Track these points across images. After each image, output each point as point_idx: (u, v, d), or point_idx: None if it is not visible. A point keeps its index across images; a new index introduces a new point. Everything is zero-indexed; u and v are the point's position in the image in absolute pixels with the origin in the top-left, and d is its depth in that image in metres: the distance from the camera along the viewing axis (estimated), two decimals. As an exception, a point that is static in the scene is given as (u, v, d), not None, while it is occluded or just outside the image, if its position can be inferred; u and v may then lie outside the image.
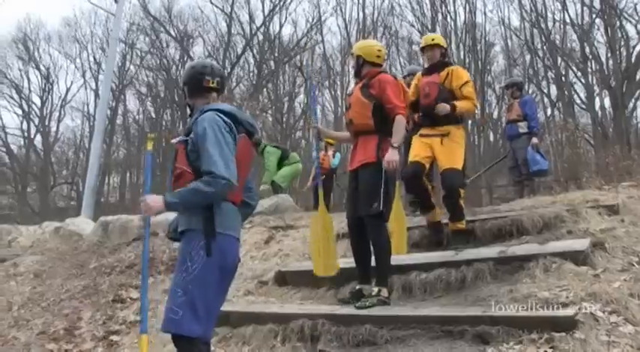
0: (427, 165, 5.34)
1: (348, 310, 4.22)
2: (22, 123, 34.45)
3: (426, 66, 5.69)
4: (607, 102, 22.77)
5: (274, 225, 7.47)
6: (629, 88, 21.42)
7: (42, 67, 34.78)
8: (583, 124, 22.58)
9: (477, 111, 21.46)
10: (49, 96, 34.65)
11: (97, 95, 31.17)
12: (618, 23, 22.52)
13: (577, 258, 4.22)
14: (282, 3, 30.39)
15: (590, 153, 19.46)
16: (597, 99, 23.23)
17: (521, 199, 7.01)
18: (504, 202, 8.09)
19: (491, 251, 4.72)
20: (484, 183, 20.13)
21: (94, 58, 34.10)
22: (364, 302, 4.21)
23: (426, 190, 5.40)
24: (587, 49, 23.34)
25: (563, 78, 24.14)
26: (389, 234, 4.53)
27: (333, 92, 29.68)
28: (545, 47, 24.72)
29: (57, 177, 34.41)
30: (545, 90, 25.14)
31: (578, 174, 12.33)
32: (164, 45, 31.77)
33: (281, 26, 30.78)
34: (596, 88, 23.42)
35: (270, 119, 26.72)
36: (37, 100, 34.60)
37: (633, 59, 22.12)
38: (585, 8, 23.58)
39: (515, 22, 33.87)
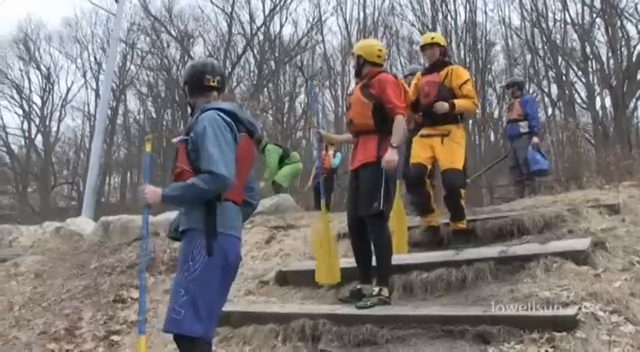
0: (429, 166, 5.34)
1: (349, 310, 4.22)
2: (22, 123, 34.53)
3: (426, 65, 5.69)
4: (608, 101, 22.80)
5: (275, 225, 7.47)
6: (629, 88, 21.41)
7: (43, 67, 34.85)
8: (584, 124, 22.55)
9: (477, 111, 21.49)
10: (50, 96, 34.73)
11: (97, 95, 31.15)
12: (619, 23, 22.52)
13: (578, 257, 4.21)
14: (282, 3, 30.43)
15: (591, 153, 19.46)
16: (598, 99, 23.25)
17: (522, 199, 7.01)
18: (505, 202, 8.09)
19: (492, 250, 4.72)
20: (485, 182, 20.12)
21: (95, 58, 34.19)
22: (365, 301, 4.21)
23: (428, 193, 5.40)
24: (588, 49, 23.32)
25: (563, 77, 24.13)
26: (390, 233, 4.52)
27: (333, 92, 29.69)
28: (545, 47, 24.70)
29: (58, 177, 34.44)
30: (546, 90, 25.17)
31: (579, 173, 12.33)
32: (165, 45, 31.80)
33: (281, 26, 30.84)
34: (596, 87, 23.42)
35: (271, 119, 26.72)
36: (37, 100, 34.69)
37: (634, 58, 22.11)
38: (586, 8, 23.59)
39: (516, 21, 33.88)
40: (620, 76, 21.47)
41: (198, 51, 31.62)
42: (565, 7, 24.13)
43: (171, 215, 7.63)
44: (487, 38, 26.93)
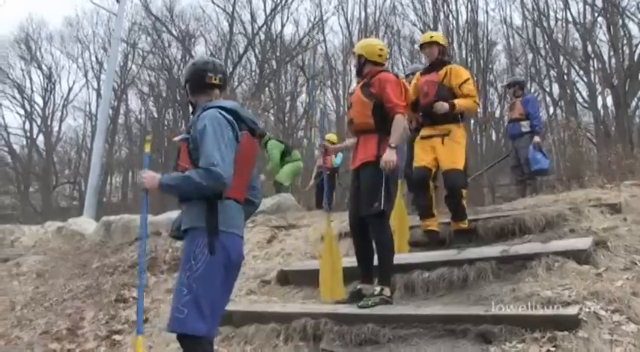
0: (434, 169, 5.34)
1: (351, 309, 4.22)
2: (24, 123, 34.51)
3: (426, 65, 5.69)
4: (609, 100, 22.77)
5: (277, 225, 7.48)
6: (631, 87, 21.38)
7: (44, 67, 34.85)
8: (585, 123, 22.51)
9: (479, 110, 21.48)
10: (52, 96, 34.73)
11: (99, 95, 31.16)
12: (621, 21, 22.47)
13: (579, 256, 4.21)
14: (283, 2, 30.40)
15: (593, 152, 19.41)
16: (600, 98, 23.20)
17: (524, 198, 7.00)
18: (507, 201, 8.10)
19: (494, 250, 4.72)
20: (486, 182, 20.10)
21: (96, 58, 34.17)
22: (367, 301, 4.21)
23: (430, 197, 5.40)
24: (590, 48, 23.29)
25: (565, 76, 24.10)
26: (392, 232, 4.52)
27: (335, 91, 29.69)
28: (547, 46, 24.67)
29: (59, 177, 34.45)
30: (548, 89, 25.14)
31: (581, 172, 12.31)
32: (166, 44, 31.78)
33: (283, 25, 30.84)
34: (598, 86, 23.38)
35: (272, 118, 26.72)
36: (39, 100, 34.70)
37: (636, 57, 22.08)
38: (587, 7, 23.55)
39: (518, 20, 33.69)
40: (622, 75, 21.44)
41: (200, 51, 31.64)
42: (567, 6, 24.11)
43: (173, 214, 7.64)
44: (488, 38, 26.93)
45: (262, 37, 30.57)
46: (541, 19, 24.73)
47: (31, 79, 35.01)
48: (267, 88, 29.83)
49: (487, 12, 34.73)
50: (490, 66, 26.86)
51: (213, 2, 30.94)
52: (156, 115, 32.75)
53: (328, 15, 38.04)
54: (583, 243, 4.39)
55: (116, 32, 17.21)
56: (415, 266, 4.73)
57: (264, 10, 30.51)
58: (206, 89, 3.23)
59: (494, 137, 26.61)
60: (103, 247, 8.26)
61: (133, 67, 33.16)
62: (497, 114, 25.75)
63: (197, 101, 3.26)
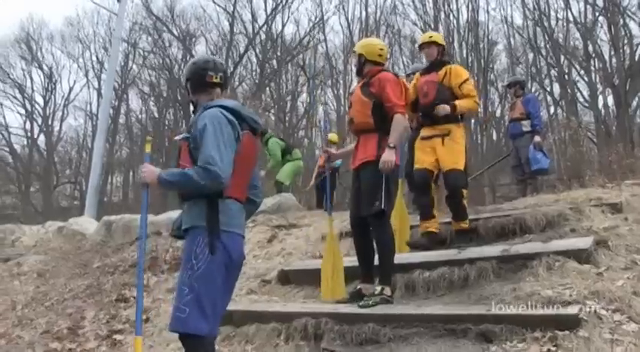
0: (435, 171, 5.33)
1: (352, 309, 4.22)
2: (25, 122, 34.52)
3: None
4: (610, 100, 22.74)
5: (277, 224, 7.48)
6: (632, 86, 21.36)
7: (45, 67, 34.84)
8: (586, 122, 22.48)
9: (480, 110, 21.47)
10: (52, 96, 34.73)
11: (99, 94, 31.16)
12: (621, 21, 22.43)
13: (580, 256, 4.21)
14: (284, 2, 30.37)
15: (594, 152, 19.38)
16: (600, 98, 23.19)
17: (525, 198, 7.00)
18: (507, 201, 8.10)
19: (495, 249, 4.71)
20: (487, 181, 20.10)
21: (97, 58, 34.16)
22: (367, 300, 4.21)
23: (432, 199, 5.39)
24: (591, 47, 23.27)
25: (566, 76, 24.08)
26: (392, 232, 4.52)
27: (335, 91, 29.67)
28: (548, 45, 24.63)
29: (60, 177, 34.46)
30: (548, 89, 25.09)
31: (582, 172, 12.29)
32: (167, 44, 31.77)
33: (283, 25, 30.80)
34: (599, 86, 23.35)
35: (273, 118, 26.72)
36: (40, 100, 34.72)
37: (637, 57, 22.07)
38: (588, 6, 23.51)
39: (518, 20, 33.71)
40: (623, 74, 21.42)
41: (200, 50, 31.62)
42: (567, 6, 24.08)
43: (174, 214, 7.65)
44: (489, 37, 26.93)
45: (263, 36, 30.57)
46: (542, 19, 24.71)
47: (31, 79, 35.07)
48: (267, 88, 29.83)
49: (488, 11, 34.68)
50: (491, 65, 26.89)
51: (214, 2, 30.98)
52: (157, 115, 32.76)
53: (329, 14, 37.97)
54: (584, 242, 4.38)
55: (117, 32, 17.24)
56: (416, 266, 4.73)
57: (265, 10, 30.56)
58: (207, 88, 3.23)
59: (494, 137, 26.62)
60: (104, 247, 8.27)
61: (134, 66, 33.24)
62: (498, 113, 25.78)
63: (198, 100, 3.25)
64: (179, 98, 29.34)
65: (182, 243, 3.11)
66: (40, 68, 34.75)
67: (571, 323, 3.33)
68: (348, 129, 4.94)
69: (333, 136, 11.14)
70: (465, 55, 25.21)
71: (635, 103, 22.28)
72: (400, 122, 4.42)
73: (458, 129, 5.33)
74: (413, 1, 27.58)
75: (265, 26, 30.38)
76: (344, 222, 5.96)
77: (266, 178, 10.37)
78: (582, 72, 24.08)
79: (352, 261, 4.80)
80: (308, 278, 5.25)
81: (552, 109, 24.94)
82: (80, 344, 5.28)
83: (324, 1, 36.64)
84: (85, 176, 30.13)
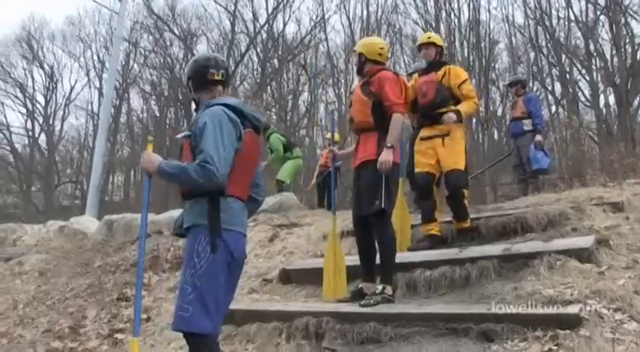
0: (437, 174, 5.33)
1: (353, 308, 4.22)
2: (26, 122, 34.53)
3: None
4: (611, 99, 22.71)
5: (278, 223, 7.49)
6: (633, 85, 21.33)
7: (46, 66, 34.88)
8: (587, 122, 22.47)
9: (481, 109, 21.46)
10: (53, 95, 34.77)
11: (101, 94, 31.21)
12: (623, 20, 22.40)
13: (581, 255, 4.21)
14: (285, 1, 30.36)
15: (595, 151, 19.35)
16: (602, 97, 23.16)
17: (526, 197, 7.00)
18: (509, 200, 8.09)
19: (496, 248, 4.71)
20: (488, 180, 20.09)
21: (98, 57, 34.18)
22: (369, 299, 4.21)
23: (434, 202, 5.39)
24: (592, 46, 23.26)
25: (567, 75, 24.07)
26: (394, 231, 4.52)
27: (336, 90, 29.66)
28: (549, 44, 24.61)
29: (61, 176, 34.47)
30: (550, 88, 25.06)
31: (583, 171, 12.26)
32: (168, 43, 31.75)
33: (285, 24, 30.77)
34: (600, 85, 23.32)
35: (274, 117, 26.71)
36: (41, 99, 34.75)
37: (638, 56, 22.02)
38: (590, 5, 23.49)
39: (520, 19, 33.74)
40: (624, 73, 21.40)
41: (202, 49, 31.56)
42: (569, 5, 24.08)
43: (175, 213, 7.65)
44: (491, 36, 26.88)
45: (264, 35, 30.56)
46: (543, 18, 24.67)
47: (33, 78, 35.15)
48: (269, 87, 29.81)
49: (489, 10, 34.90)
50: (492, 64, 26.85)
51: (215, 1, 30.97)
52: (158, 114, 32.75)
53: (330, 13, 38.03)
54: (585, 241, 4.38)
55: (118, 31, 17.24)
56: (417, 265, 4.73)
57: (266, 9, 30.54)
58: (208, 85, 3.22)
59: (496, 136, 26.60)
60: (105, 246, 8.28)
61: (135, 65, 33.24)
62: (499, 112, 25.75)
63: (200, 98, 3.24)
64: (180, 97, 29.35)
65: (183, 242, 3.09)
66: (42, 67, 34.86)
67: (572, 323, 3.33)
68: (349, 128, 4.93)
69: (336, 135, 11.16)
70: (466, 54, 25.20)
71: (636, 102, 22.25)
72: (398, 121, 4.42)
73: (458, 129, 5.33)
74: (414, 0, 27.58)
75: (266, 25, 30.38)
76: (345, 221, 5.96)
77: (265, 173, 10.38)
78: (584, 71, 24.08)
79: (354, 260, 4.80)
80: (309, 278, 5.26)
81: (553, 108, 24.94)
82: (81, 343, 5.28)
83: (325, 0, 36.73)
84: (86, 175, 30.18)
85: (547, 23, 24.50)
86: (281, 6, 30.33)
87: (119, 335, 5.31)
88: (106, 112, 16.38)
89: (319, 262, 5.16)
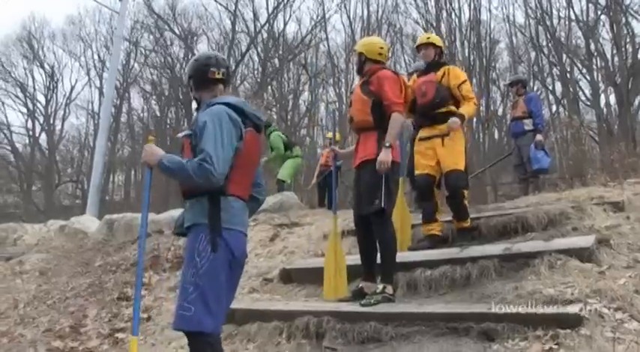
0: (437, 175, 5.34)
1: (353, 307, 4.22)
2: (27, 121, 34.53)
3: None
4: (612, 99, 22.69)
5: (279, 223, 7.49)
6: (634, 85, 21.30)
7: (46, 66, 34.86)
8: (588, 121, 22.42)
9: (482, 109, 21.44)
10: (54, 95, 34.78)
11: (101, 93, 31.23)
12: (624, 19, 22.37)
13: (582, 254, 4.21)
14: (286, 0, 30.35)
15: (595, 150, 19.32)
16: (602, 96, 23.15)
17: (526, 196, 7.00)
18: (509, 199, 8.09)
19: (496, 248, 4.71)
20: (489, 180, 20.09)
21: (99, 56, 34.16)
22: (369, 299, 4.21)
23: (436, 203, 5.40)
24: (593, 46, 23.23)
25: (568, 75, 24.04)
26: (394, 230, 4.52)
27: (337, 90, 29.65)
28: (550, 44, 24.58)
29: (62, 176, 34.47)
30: (550, 87, 25.03)
31: (583, 171, 12.25)
32: (168, 43, 31.74)
33: (285, 24, 30.73)
34: (601, 84, 23.31)
35: (275, 117, 26.70)
36: (41, 99, 34.75)
37: (639, 56, 22.01)
38: (590, 5, 23.46)
39: (520, 19, 33.79)
40: (625, 73, 21.38)
41: (202, 49, 31.49)
42: (569, 4, 24.06)
43: (175, 213, 7.66)
44: (491, 36, 26.85)
45: (265, 35, 30.52)
46: (544, 17, 24.65)
47: (33, 78, 35.17)
48: (269, 87, 29.79)
49: (490, 10, 34.86)
50: (493, 64, 26.81)
51: (216, 0, 30.94)
52: (158, 114, 32.75)
53: (331, 13, 38.11)
54: (586, 241, 4.38)
55: (118, 30, 17.24)
56: (418, 264, 4.73)
57: (267, 9, 30.49)
58: (210, 84, 3.22)
59: (496, 135, 26.59)
60: (106, 245, 8.29)
61: (136, 65, 33.22)
62: (500, 112, 25.74)
63: (201, 97, 3.24)
64: (181, 97, 29.34)
65: (184, 241, 3.09)
66: (42, 67, 34.85)
67: (573, 322, 3.33)
68: (349, 128, 4.94)
69: (337, 134, 11.16)
70: (466, 54, 25.18)
71: (637, 102, 22.23)
72: (397, 120, 4.42)
73: (457, 130, 5.33)
74: (415, 0, 27.59)
75: (267, 25, 30.35)
76: (345, 220, 5.97)
77: (266, 172, 10.38)
78: (584, 70, 24.05)
79: (354, 259, 4.80)
80: (310, 277, 5.26)
81: (554, 108, 24.91)
82: (82, 342, 5.28)
83: (325, 0, 36.69)
84: (86, 175, 30.18)
85: (548, 23, 24.48)
86: (281, 5, 30.33)
87: (120, 335, 5.31)
88: (107, 112, 16.39)
89: (320, 262, 5.17)
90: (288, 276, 5.54)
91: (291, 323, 4.22)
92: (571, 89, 23.58)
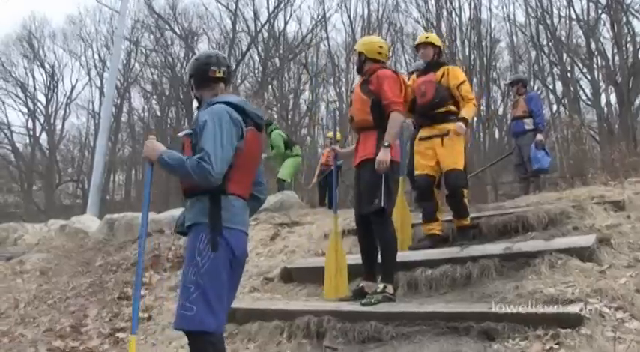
0: (437, 176, 5.34)
1: (354, 306, 4.22)
2: (27, 121, 34.54)
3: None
4: (613, 98, 22.68)
5: (280, 222, 7.49)
6: (635, 84, 21.28)
7: (47, 65, 34.88)
8: (589, 121, 22.43)
9: (482, 108, 21.43)
10: (55, 95, 34.79)
11: (102, 93, 31.26)
12: (624, 19, 22.35)
13: (582, 254, 4.21)
14: (286, 0, 30.36)
15: (596, 150, 19.32)
16: (603, 96, 23.14)
17: (527, 195, 7.00)
18: (510, 199, 8.09)
19: (497, 247, 4.71)
20: (489, 179, 20.08)
21: (99, 56, 34.19)
22: (370, 298, 4.21)
23: (436, 203, 5.40)
24: (593, 45, 23.21)
25: (568, 74, 24.03)
26: (394, 229, 4.52)
27: (337, 89, 29.65)
28: (550, 43, 24.57)
29: (62, 175, 34.48)
30: (551, 87, 25.03)
31: (584, 170, 12.25)
32: (169, 42, 31.78)
33: (286, 23, 30.75)
34: (601, 84, 23.31)
35: (276, 116, 26.70)
36: (42, 98, 34.78)
37: (639, 55, 22.01)
38: (591, 4, 23.45)
39: (521, 18, 33.69)
40: (626, 72, 21.36)
41: (203, 48, 31.49)
42: (570, 4, 24.03)
43: (176, 212, 7.66)
44: (492, 35, 26.82)
45: (265, 34, 30.54)
46: (544, 17, 24.64)
47: (34, 78, 35.31)
48: (270, 86, 29.79)
49: (490, 9, 34.94)
50: (493, 63, 26.79)
51: (216, 0, 30.98)
52: (159, 113, 32.77)
53: (331, 12, 38.15)
54: (586, 240, 4.38)
55: (119, 30, 17.22)
56: (418, 264, 4.73)
57: (267, 8, 30.50)
58: (210, 83, 3.22)
59: (497, 135, 26.58)
60: (107, 245, 8.29)
61: (136, 65, 33.24)
62: (500, 111, 25.72)
63: (202, 96, 3.24)
64: (181, 96, 29.36)
65: (185, 241, 3.08)
66: (43, 66, 34.87)
67: (573, 321, 3.33)
68: (350, 127, 4.94)
69: (337, 134, 11.17)
70: (467, 53, 25.16)
71: (637, 101, 22.21)
72: (396, 120, 4.42)
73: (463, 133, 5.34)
74: (415, -1, 27.55)
75: (267, 24, 30.37)
76: (346, 219, 5.97)
77: (266, 171, 10.39)
78: (585, 70, 24.03)
79: (355, 258, 4.80)
80: (311, 276, 5.26)
81: (555, 107, 24.91)
82: (83, 342, 5.28)
83: (326, -1, 36.66)
84: (87, 174, 30.20)
85: (548, 22, 24.47)
86: (282, 5, 30.35)
87: (120, 334, 5.31)
88: (107, 111, 16.37)
89: (320, 261, 5.17)
90: (289, 276, 5.54)
91: (291, 322, 4.23)
92: (571, 88, 23.56)
